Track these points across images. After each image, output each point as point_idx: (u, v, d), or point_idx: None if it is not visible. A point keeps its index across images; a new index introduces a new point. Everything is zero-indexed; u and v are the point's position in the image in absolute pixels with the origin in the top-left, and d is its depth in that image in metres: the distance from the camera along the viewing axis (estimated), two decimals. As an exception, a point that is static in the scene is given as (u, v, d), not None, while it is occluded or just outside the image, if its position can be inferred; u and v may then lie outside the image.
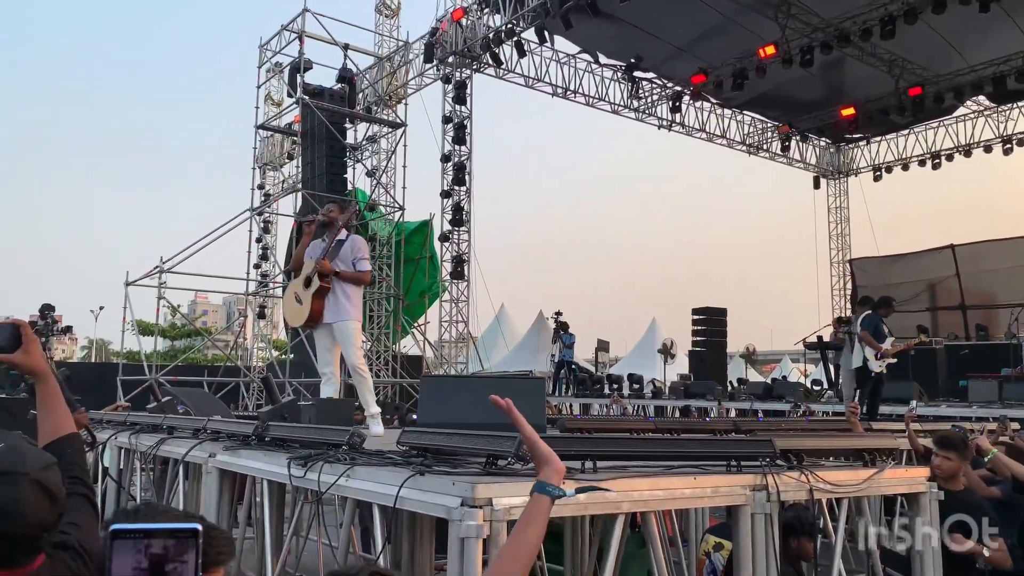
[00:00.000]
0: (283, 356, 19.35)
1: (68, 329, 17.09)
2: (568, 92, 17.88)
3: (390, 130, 18.51)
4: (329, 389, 5.93)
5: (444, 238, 16.55)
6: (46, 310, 12.30)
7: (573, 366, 17.43)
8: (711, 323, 18.93)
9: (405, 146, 17.60)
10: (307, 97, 16.17)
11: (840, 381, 12.42)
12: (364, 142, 18.88)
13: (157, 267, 14.73)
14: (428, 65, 16.94)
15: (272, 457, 3.83)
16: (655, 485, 2.90)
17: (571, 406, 16.09)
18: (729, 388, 16.36)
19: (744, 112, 20.76)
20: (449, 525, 2.49)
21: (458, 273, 16.43)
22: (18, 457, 1.42)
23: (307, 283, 5.73)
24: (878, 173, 22.37)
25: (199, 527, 1.02)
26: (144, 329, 20.61)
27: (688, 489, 2.96)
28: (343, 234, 5.94)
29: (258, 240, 19.22)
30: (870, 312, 9.40)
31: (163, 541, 1.00)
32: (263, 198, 19.80)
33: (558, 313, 17.77)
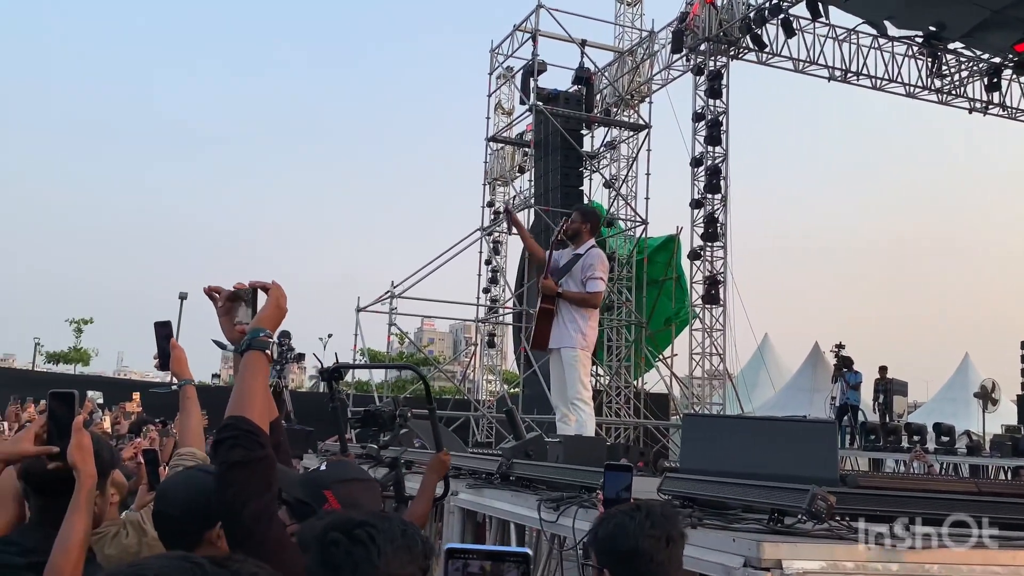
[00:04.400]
0: (514, 389, 20.20)
1: (300, 357, 19.07)
2: (849, 74, 17.05)
3: (631, 134, 18.75)
4: (565, 428, 6.04)
5: (694, 256, 16.36)
6: (283, 338, 13.92)
7: (860, 411, 16.38)
8: (1049, 360, 16.87)
9: (649, 151, 17.75)
10: (540, 103, 16.89)
11: None
12: (602, 149, 19.31)
13: (388, 292, 16.10)
14: (676, 56, 16.99)
15: (520, 498, 4.04)
16: (990, 559, 2.69)
17: (857, 460, 15.13)
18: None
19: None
20: (730, 587, 2.49)
21: (711, 297, 16.14)
22: None
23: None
24: None
25: (529, 552, 1.17)
26: (372, 357, 22.56)
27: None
28: (584, 246, 6.07)
29: (487, 262, 20.22)
30: None
31: (493, 563, 1.16)
32: (493, 216, 20.86)
33: (840, 346, 16.81)
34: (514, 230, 6.37)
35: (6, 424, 8.05)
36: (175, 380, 3.06)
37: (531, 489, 4.18)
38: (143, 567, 0.94)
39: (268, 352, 1.94)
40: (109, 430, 8.39)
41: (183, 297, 23.13)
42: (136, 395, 12.64)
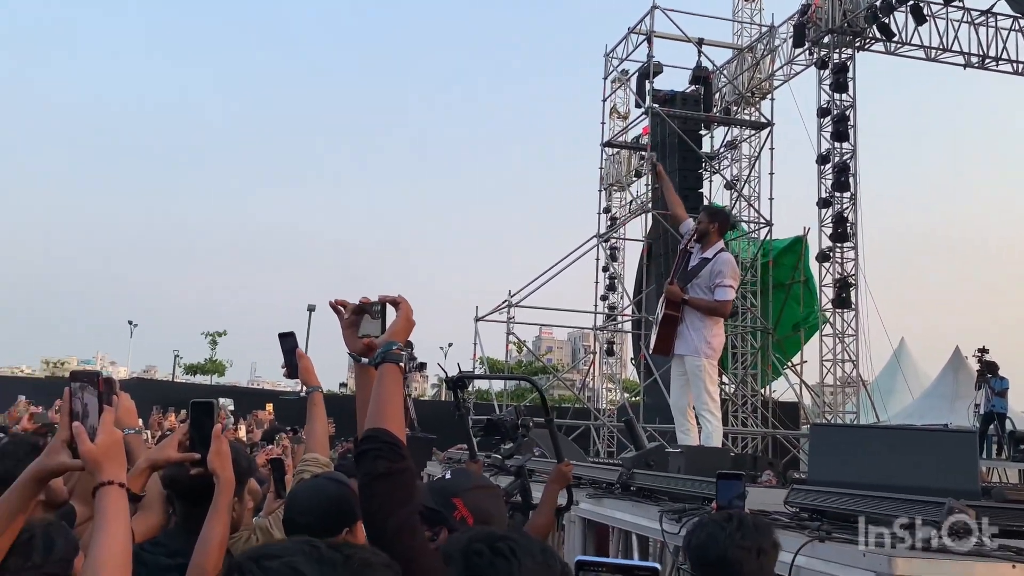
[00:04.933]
0: (634, 398, 20.04)
1: (423, 366, 19.42)
2: (987, 60, 16.17)
3: (753, 132, 18.35)
4: (686, 439, 5.93)
5: (823, 257, 15.84)
6: (407, 347, 14.37)
7: (1008, 419, 15.44)
8: None
9: (772, 149, 17.35)
10: (656, 105, 16.76)
11: None
12: (722, 149, 18.98)
13: (506, 301, 16.32)
14: (798, 50, 16.54)
15: (641, 509, 4.03)
16: None
17: (1005, 472, 14.28)
18: None
19: None
20: (861, 604, 2.42)
21: (842, 300, 15.58)
22: None
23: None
24: None
25: (658, 567, 1.19)
26: (491, 366, 22.85)
27: None
28: (712, 249, 5.94)
29: (604, 269, 20.16)
30: None
31: None
32: (609, 223, 20.79)
33: (983, 350, 15.89)
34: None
35: (149, 433, 8.58)
36: (304, 387, 3.23)
37: (652, 500, 4.16)
38: (269, 547, 1.08)
39: (402, 365, 2.02)
40: (244, 438, 8.82)
41: (311, 309, 24.07)
42: (269, 405, 13.24)
